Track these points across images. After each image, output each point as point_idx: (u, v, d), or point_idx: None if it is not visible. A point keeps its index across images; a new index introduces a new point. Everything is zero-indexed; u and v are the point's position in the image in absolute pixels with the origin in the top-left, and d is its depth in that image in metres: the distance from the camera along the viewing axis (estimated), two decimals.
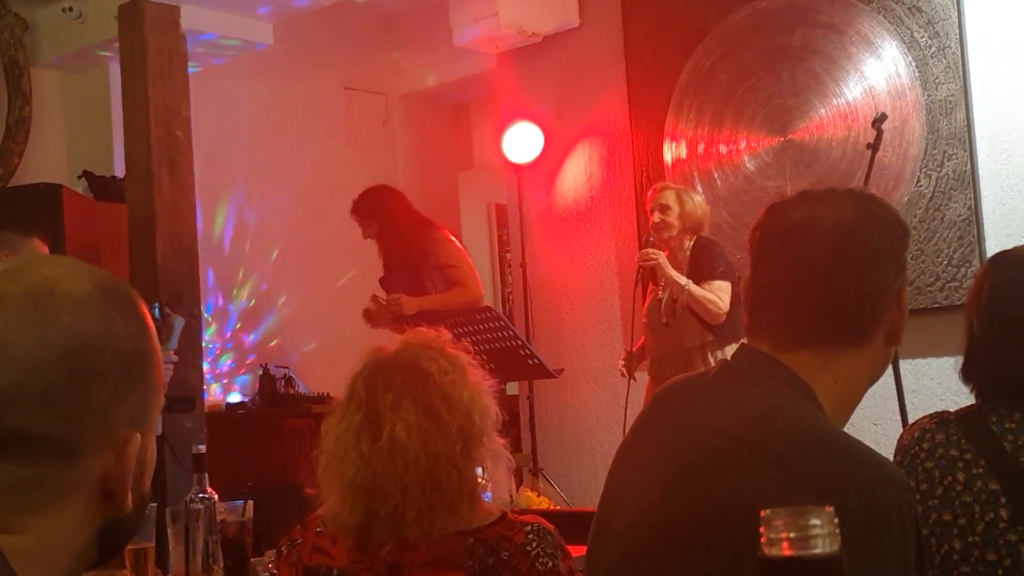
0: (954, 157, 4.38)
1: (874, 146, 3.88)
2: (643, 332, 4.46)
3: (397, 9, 6.49)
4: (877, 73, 4.58)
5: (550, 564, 1.76)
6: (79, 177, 5.18)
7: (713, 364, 4.01)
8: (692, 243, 4.31)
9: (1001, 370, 1.78)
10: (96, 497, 0.92)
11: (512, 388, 5.42)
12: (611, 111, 5.40)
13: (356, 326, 5.29)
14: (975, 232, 4.32)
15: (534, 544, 1.77)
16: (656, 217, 4.30)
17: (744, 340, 1.45)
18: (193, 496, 2.15)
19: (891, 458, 1.79)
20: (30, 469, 0.89)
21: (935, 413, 1.84)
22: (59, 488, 0.90)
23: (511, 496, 1.92)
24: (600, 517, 1.47)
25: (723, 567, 1.22)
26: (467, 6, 5.39)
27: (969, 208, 4.34)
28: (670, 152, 5.17)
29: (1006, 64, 4.31)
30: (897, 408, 3.75)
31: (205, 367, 4.88)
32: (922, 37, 4.46)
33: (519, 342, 4.45)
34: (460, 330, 4.35)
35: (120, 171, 4.96)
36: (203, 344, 4.69)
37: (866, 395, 1.44)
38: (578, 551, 1.74)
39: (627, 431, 1.53)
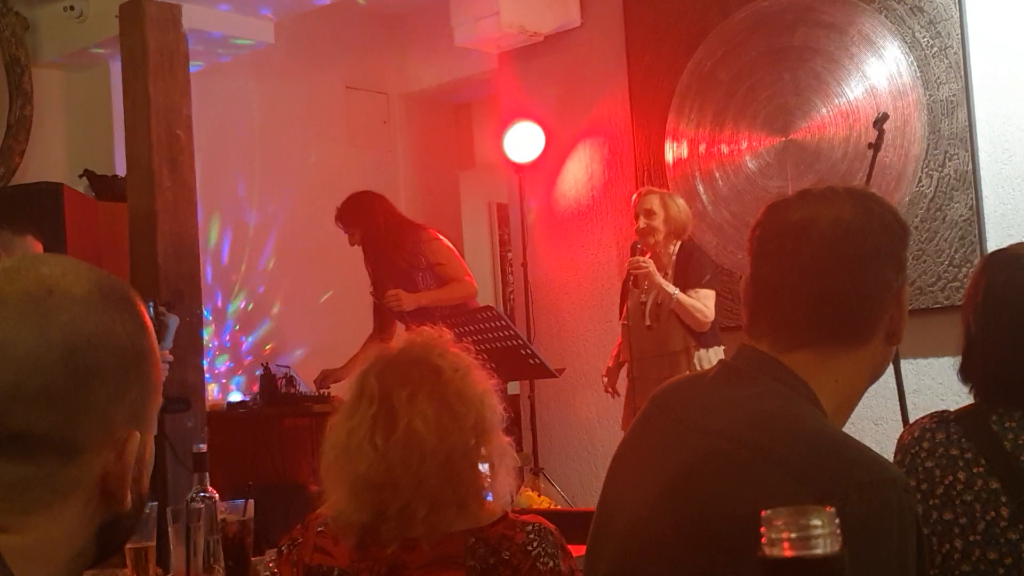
0: (955, 157, 4.38)
1: (875, 146, 3.88)
2: (622, 334, 4.48)
3: (398, 9, 6.49)
4: (879, 73, 4.57)
5: (551, 564, 1.76)
6: (80, 176, 5.19)
7: (697, 366, 4.08)
8: (677, 247, 4.33)
9: (999, 369, 1.78)
10: (95, 496, 0.92)
11: (513, 388, 5.42)
12: (612, 111, 5.40)
13: (357, 325, 5.30)
14: (976, 232, 4.32)
15: (535, 544, 1.76)
16: (642, 222, 4.31)
17: (743, 340, 1.44)
18: (194, 495, 2.15)
19: (891, 458, 1.79)
20: (29, 468, 0.89)
21: (935, 412, 1.84)
22: (58, 487, 0.90)
23: (511, 497, 1.91)
24: (599, 518, 1.47)
25: (723, 568, 1.22)
26: (468, 5, 5.39)
27: (970, 208, 4.34)
28: (671, 152, 5.17)
29: (1008, 64, 4.31)
30: (898, 408, 3.75)
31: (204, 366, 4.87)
32: (924, 37, 4.46)
33: (520, 342, 4.45)
34: (461, 329, 4.35)
35: (121, 170, 4.96)
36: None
37: (867, 395, 1.44)
38: (579, 551, 1.74)
39: (626, 431, 1.53)
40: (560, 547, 1.80)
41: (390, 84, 6.75)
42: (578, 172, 5.53)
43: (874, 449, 1.28)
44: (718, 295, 4.28)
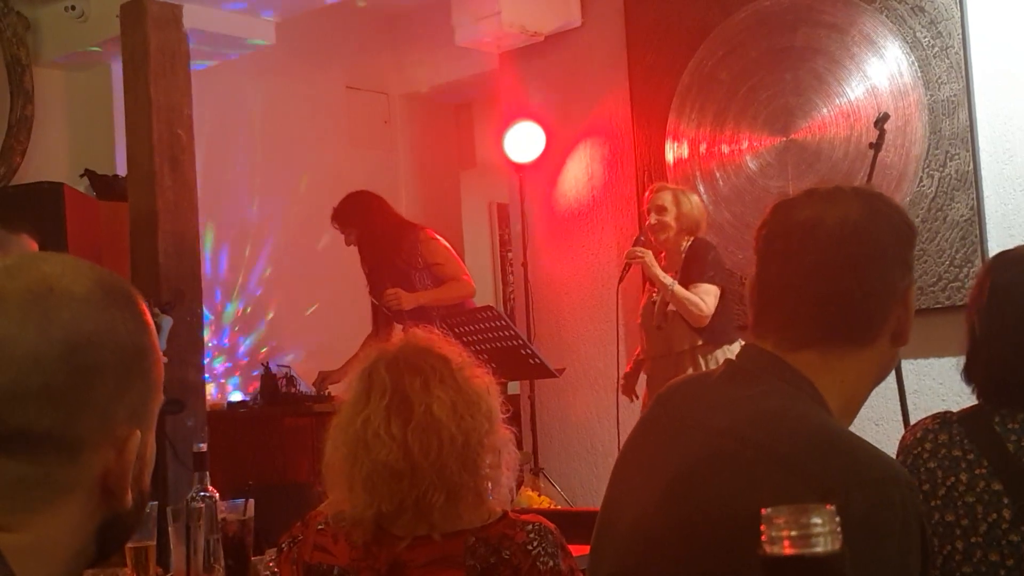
0: (956, 157, 4.37)
1: (876, 146, 3.88)
2: (639, 332, 4.46)
3: (399, 8, 6.49)
4: (879, 73, 4.57)
5: (551, 563, 1.76)
6: (81, 176, 5.18)
7: (704, 367, 4.06)
8: (689, 244, 4.30)
9: (1003, 371, 1.78)
10: (96, 494, 0.92)
11: (513, 387, 5.42)
12: (613, 111, 5.40)
13: (359, 323, 5.30)
14: (977, 232, 4.32)
15: (535, 543, 1.77)
16: (653, 218, 4.29)
17: (749, 339, 1.44)
18: (194, 495, 2.15)
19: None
20: (30, 466, 0.89)
21: (937, 413, 1.84)
22: (59, 485, 0.90)
23: (512, 494, 1.92)
24: (603, 517, 1.47)
25: (726, 567, 1.22)
26: (469, 5, 5.39)
27: (971, 208, 4.33)
28: (672, 152, 5.17)
29: (1009, 64, 4.31)
30: (899, 408, 3.75)
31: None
32: (925, 37, 4.46)
33: (520, 342, 4.45)
34: (461, 329, 4.36)
35: (122, 170, 4.96)
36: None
37: None
38: (579, 550, 1.74)
39: (631, 431, 1.53)
40: (560, 546, 1.80)
41: (391, 84, 6.75)
42: (578, 172, 5.53)
43: (878, 448, 1.28)
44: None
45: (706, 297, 4.12)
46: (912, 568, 1.21)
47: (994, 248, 4.16)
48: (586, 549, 1.49)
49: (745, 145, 4.94)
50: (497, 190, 6.93)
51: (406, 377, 1.78)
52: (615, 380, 4.66)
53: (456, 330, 4.30)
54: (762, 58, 4.88)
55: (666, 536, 1.31)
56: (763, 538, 0.77)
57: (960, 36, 4.37)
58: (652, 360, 4.31)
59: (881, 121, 3.91)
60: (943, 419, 1.81)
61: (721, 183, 5.01)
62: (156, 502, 2.09)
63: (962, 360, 1.84)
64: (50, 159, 5.31)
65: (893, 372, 3.59)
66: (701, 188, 5.02)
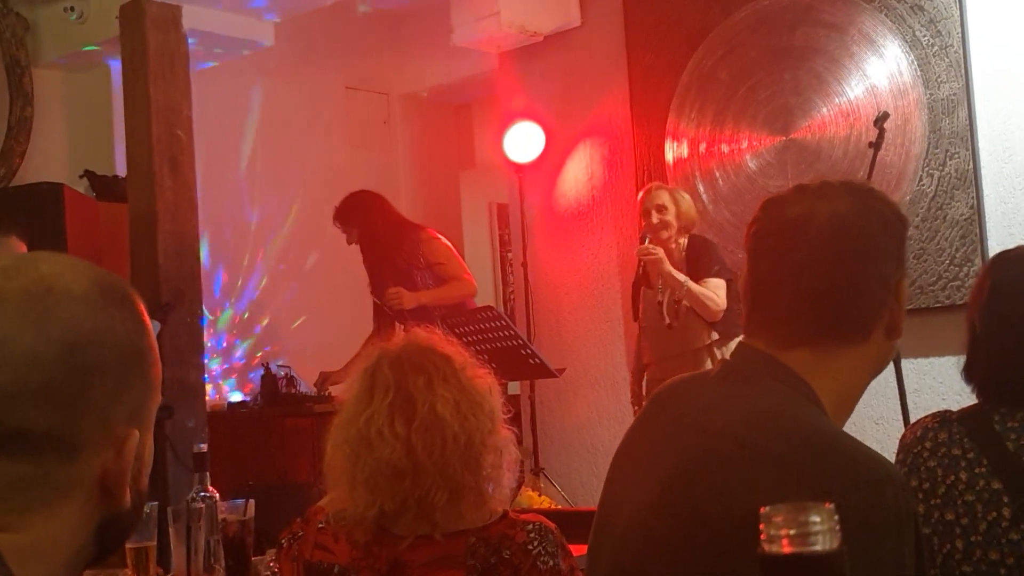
0: (956, 156, 4.37)
1: (876, 145, 3.88)
2: (640, 338, 4.44)
3: (398, 9, 6.49)
4: (879, 72, 4.57)
5: (551, 563, 1.76)
6: (80, 177, 5.18)
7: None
8: (686, 241, 4.32)
9: (1003, 370, 1.78)
10: (95, 494, 0.92)
11: (513, 388, 5.42)
12: (613, 110, 5.40)
13: (359, 323, 5.29)
14: (977, 231, 4.32)
15: (536, 543, 1.77)
16: (655, 218, 4.28)
17: (741, 338, 1.44)
18: (195, 495, 2.16)
19: (893, 457, 1.78)
20: (29, 466, 0.89)
21: (937, 412, 1.84)
22: (58, 485, 0.90)
23: (512, 493, 1.92)
24: (600, 517, 1.47)
25: (722, 567, 1.22)
26: (468, 6, 5.39)
27: (971, 207, 4.33)
28: (672, 152, 5.17)
29: (1008, 63, 4.30)
30: (899, 407, 3.75)
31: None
32: (924, 36, 4.46)
33: (520, 342, 4.44)
34: (461, 329, 4.36)
35: (122, 171, 4.96)
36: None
37: (868, 394, 1.43)
38: (579, 550, 1.74)
39: (627, 429, 1.53)
40: (560, 546, 1.80)
41: (390, 84, 6.75)
42: (578, 172, 5.53)
43: (875, 449, 1.28)
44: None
45: (718, 291, 4.16)
46: (908, 568, 1.21)
47: (994, 247, 4.16)
48: (586, 548, 1.49)
49: (745, 144, 4.94)
50: (497, 190, 6.93)
51: (410, 376, 1.78)
52: (615, 380, 4.66)
53: (456, 330, 4.30)
54: (761, 58, 4.88)
55: (663, 535, 1.30)
56: (762, 536, 0.77)
57: (959, 35, 4.36)
58: (665, 361, 4.26)
59: (881, 120, 3.91)
60: (943, 418, 1.81)
61: (721, 183, 5.01)
62: (156, 503, 2.09)
63: (962, 359, 1.84)
64: (50, 160, 5.31)
65: (893, 371, 3.62)
66: (701, 188, 5.02)
